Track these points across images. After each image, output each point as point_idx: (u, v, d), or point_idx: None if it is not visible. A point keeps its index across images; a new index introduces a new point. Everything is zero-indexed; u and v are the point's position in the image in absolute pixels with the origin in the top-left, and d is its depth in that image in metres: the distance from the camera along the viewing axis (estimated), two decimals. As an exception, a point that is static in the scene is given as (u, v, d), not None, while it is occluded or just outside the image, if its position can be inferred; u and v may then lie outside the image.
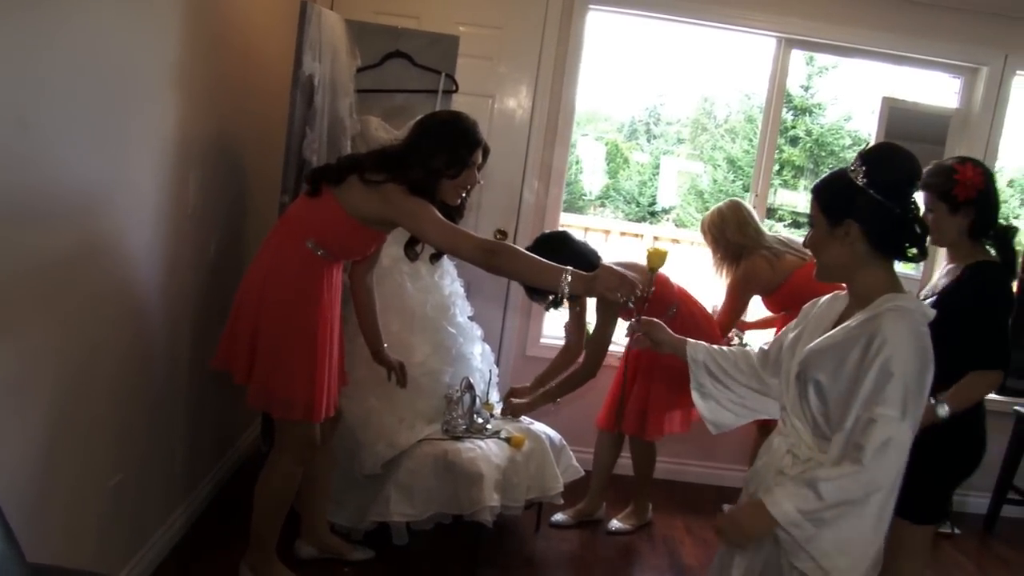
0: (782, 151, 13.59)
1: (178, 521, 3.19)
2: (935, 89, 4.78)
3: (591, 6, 4.19)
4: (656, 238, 7.23)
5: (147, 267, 2.69)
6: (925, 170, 2.53)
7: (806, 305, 2.13)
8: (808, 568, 1.82)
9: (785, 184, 14.29)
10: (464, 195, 2.80)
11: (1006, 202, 13.83)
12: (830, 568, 1.80)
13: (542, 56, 4.20)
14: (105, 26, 2.22)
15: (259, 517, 2.89)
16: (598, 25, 4.37)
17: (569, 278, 2.40)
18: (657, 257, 2.44)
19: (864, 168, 1.88)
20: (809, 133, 15.45)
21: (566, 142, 4.31)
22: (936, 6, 4.20)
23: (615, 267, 2.46)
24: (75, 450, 2.35)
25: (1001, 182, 12.61)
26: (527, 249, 2.66)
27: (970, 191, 2.56)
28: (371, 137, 3.45)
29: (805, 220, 14.79)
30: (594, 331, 3.60)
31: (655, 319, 2.28)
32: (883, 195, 1.85)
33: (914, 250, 1.90)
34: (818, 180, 2.00)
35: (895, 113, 4.28)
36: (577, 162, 13.39)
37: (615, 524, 3.87)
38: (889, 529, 2.22)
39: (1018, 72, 4.27)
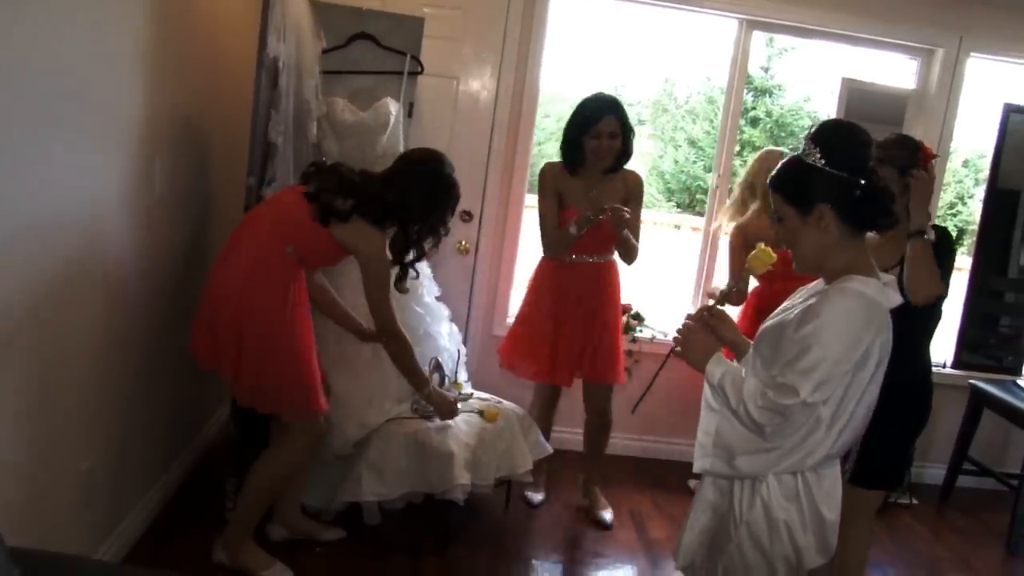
0: (743, 132, 13.72)
1: (149, 504, 3.19)
2: (893, 70, 4.85)
3: (554, -12, 4.21)
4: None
5: (116, 251, 2.67)
6: (883, 142, 2.59)
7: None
8: None
9: (745, 164, 14.45)
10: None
11: (960, 182, 14.09)
12: (699, 435, 2.03)
13: (506, 37, 4.20)
14: (68, 7, 2.20)
15: (249, 499, 2.93)
16: (562, 6, 4.38)
17: (430, 391, 3.18)
18: (760, 261, 2.28)
19: (819, 149, 1.89)
20: (769, 114, 15.61)
21: (530, 123, 4.33)
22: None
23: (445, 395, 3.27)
24: (46, 434, 2.34)
25: (956, 162, 12.84)
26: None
27: (927, 163, 2.68)
28: (336, 119, 3.44)
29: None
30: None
31: (729, 317, 2.20)
32: (846, 171, 1.88)
33: (885, 219, 1.94)
34: (773, 175, 1.98)
35: (854, 93, 4.37)
36: (540, 143, 13.44)
37: (608, 516, 3.79)
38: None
39: (972, 54, 4.36)
